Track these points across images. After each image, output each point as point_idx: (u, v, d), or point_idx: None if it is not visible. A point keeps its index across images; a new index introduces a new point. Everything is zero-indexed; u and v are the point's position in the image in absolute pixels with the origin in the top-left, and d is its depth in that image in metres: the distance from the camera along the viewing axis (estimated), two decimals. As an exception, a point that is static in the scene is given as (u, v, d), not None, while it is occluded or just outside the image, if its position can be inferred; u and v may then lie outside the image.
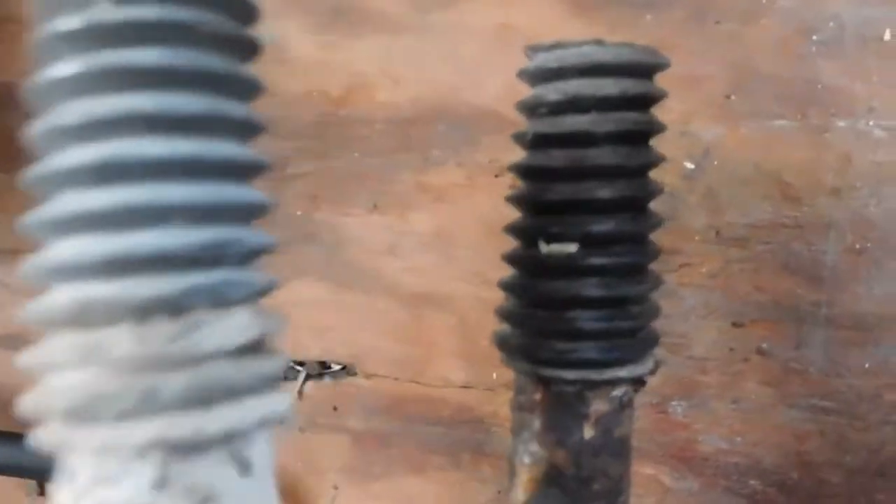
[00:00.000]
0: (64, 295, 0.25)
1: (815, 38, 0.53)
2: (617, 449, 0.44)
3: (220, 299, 0.25)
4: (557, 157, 0.41)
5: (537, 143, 0.42)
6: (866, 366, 0.55)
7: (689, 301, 0.58)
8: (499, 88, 0.60)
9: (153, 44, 0.24)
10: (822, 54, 0.53)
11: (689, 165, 0.56)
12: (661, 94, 0.42)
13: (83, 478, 0.25)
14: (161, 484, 0.24)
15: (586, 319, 0.41)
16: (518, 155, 0.45)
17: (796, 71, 0.54)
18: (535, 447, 0.44)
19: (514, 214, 0.45)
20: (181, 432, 0.24)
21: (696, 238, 0.57)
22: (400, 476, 0.67)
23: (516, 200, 0.44)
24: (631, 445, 0.46)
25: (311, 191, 0.66)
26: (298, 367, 0.69)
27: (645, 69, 0.41)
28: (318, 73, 0.65)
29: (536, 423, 0.44)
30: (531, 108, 0.42)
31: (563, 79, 0.40)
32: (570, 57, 0.40)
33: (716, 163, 0.56)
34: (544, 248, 0.42)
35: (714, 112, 0.56)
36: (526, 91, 0.43)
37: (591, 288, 0.41)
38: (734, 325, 0.57)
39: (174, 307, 0.24)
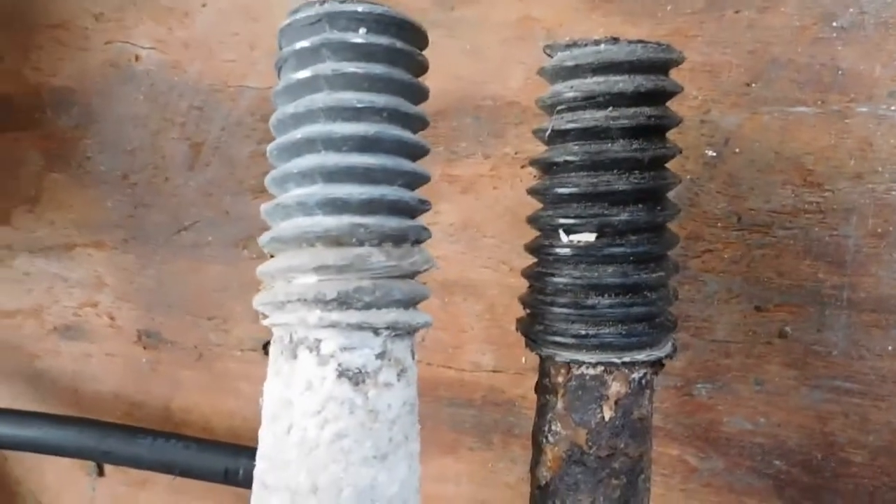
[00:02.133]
0: (329, 220, 0.37)
1: (834, 24, 0.54)
2: (636, 429, 0.45)
3: (417, 238, 0.40)
4: (575, 152, 0.43)
5: (556, 138, 0.44)
6: (889, 348, 0.56)
7: (712, 286, 0.59)
8: (522, 81, 0.61)
9: (358, 59, 0.38)
10: (842, 40, 0.54)
11: (711, 153, 0.57)
12: (676, 89, 0.43)
13: (329, 347, 0.37)
14: (383, 355, 0.38)
15: (605, 306, 0.43)
16: (541, 149, 0.46)
17: (816, 57, 0.54)
18: (557, 427, 0.46)
19: (537, 205, 0.47)
20: (404, 320, 0.38)
21: (718, 224, 0.58)
22: (433, 456, 0.70)
23: (537, 193, 0.46)
24: (651, 426, 0.47)
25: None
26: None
27: (658, 65, 0.42)
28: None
29: (559, 405, 0.46)
30: (550, 105, 0.44)
31: (579, 77, 0.42)
32: (585, 56, 0.42)
33: (737, 150, 0.57)
34: (564, 238, 0.44)
35: (734, 100, 0.56)
36: (547, 85, 0.45)
37: (609, 276, 0.43)
38: (756, 309, 0.58)
39: (401, 238, 0.39)
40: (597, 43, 0.42)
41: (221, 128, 0.71)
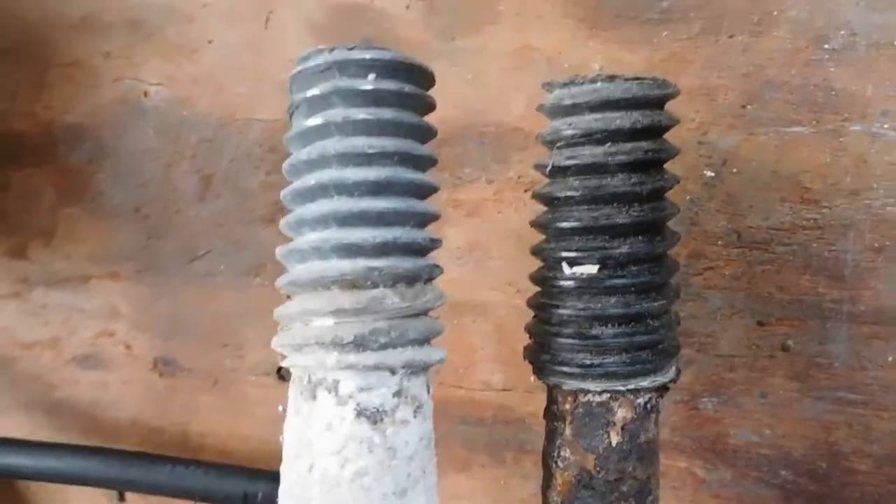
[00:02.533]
0: (344, 264, 0.39)
1: (826, 46, 0.55)
2: (643, 452, 0.47)
3: (430, 276, 0.41)
4: (576, 187, 0.44)
5: (557, 173, 0.45)
6: (889, 359, 0.57)
7: (715, 302, 0.60)
8: (523, 107, 0.63)
9: (368, 105, 0.39)
10: (834, 61, 0.55)
11: (709, 173, 0.59)
12: (672, 123, 0.45)
13: (347, 387, 0.39)
14: (400, 393, 0.39)
15: (609, 336, 0.45)
16: (542, 177, 0.48)
17: (809, 79, 0.56)
18: (566, 453, 0.47)
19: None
20: (420, 358, 0.40)
21: (719, 242, 0.60)
22: (447, 474, 0.71)
23: (540, 226, 0.47)
24: (658, 448, 0.48)
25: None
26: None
27: (654, 101, 0.43)
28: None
29: (567, 431, 0.47)
30: (550, 142, 0.45)
31: (577, 114, 0.44)
32: (582, 94, 0.43)
33: (735, 170, 0.58)
34: (567, 270, 0.45)
35: (731, 121, 0.58)
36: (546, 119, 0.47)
37: (612, 306, 0.45)
38: (759, 323, 0.60)
39: (414, 278, 0.40)
40: (593, 81, 0.43)
41: (231, 160, 0.73)
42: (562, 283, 0.45)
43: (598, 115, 0.43)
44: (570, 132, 0.44)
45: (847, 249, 0.57)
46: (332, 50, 0.39)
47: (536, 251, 0.48)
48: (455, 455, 0.71)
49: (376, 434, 0.39)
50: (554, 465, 0.48)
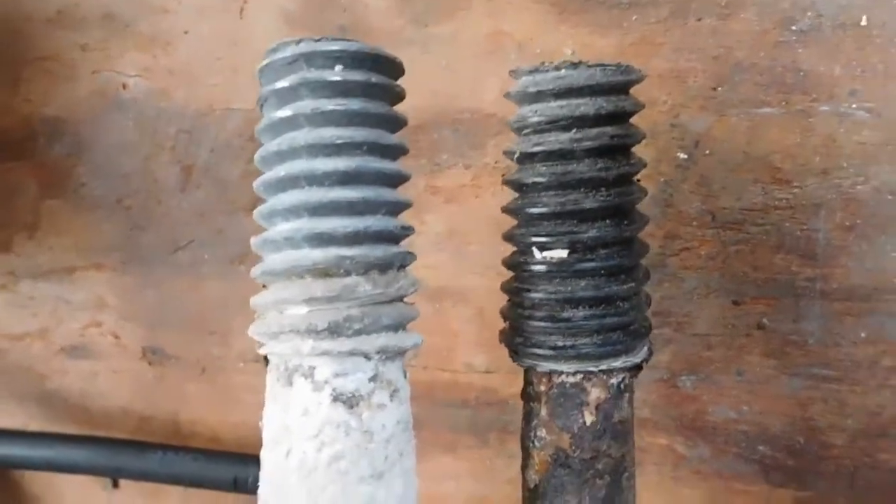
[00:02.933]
0: (316, 253, 0.39)
1: (793, 27, 0.55)
2: (617, 431, 0.48)
3: (402, 263, 0.42)
4: (543, 173, 0.45)
5: (525, 159, 0.46)
6: (862, 335, 0.58)
7: (691, 282, 0.61)
8: (497, 93, 0.63)
9: (336, 96, 0.39)
10: (801, 43, 0.56)
11: (682, 155, 0.59)
12: (637, 108, 0.45)
13: (323, 373, 0.40)
14: (375, 378, 0.40)
15: (580, 318, 0.46)
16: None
17: (777, 60, 0.56)
18: (542, 433, 0.48)
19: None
20: (394, 343, 0.41)
21: (694, 223, 0.60)
22: (433, 456, 0.72)
23: (511, 212, 0.48)
24: (632, 427, 0.49)
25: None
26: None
27: (618, 87, 0.44)
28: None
29: (543, 412, 0.48)
30: (517, 129, 0.46)
31: (542, 101, 0.44)
32: (546, 81, 0.44)
33: (707, 151, 0.59)
34: (538, 255, 0.46)
35: (702, 103, 0.58)
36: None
37: (582, 289, 0.45)
38: (734, 302, 0.61)
39: (386, 265, 0.41)
40: (558, 68, 0.44)
41: (210, 150, 0.73)
42: (533, 267, 0.46)
43: (562, 102, 0.44)
44: (536, 119, 0.44)
45: (819, 228, 0.58)
46: (299, 42, 0.40)
47: (508, 237, 0.48)
48: (441, 436, 0.72)
49: (353, 418, 0.40)
50: (531, 445, 0.49)
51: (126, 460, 0.73)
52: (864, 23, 0.54)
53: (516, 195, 0.48)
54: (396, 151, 0.42)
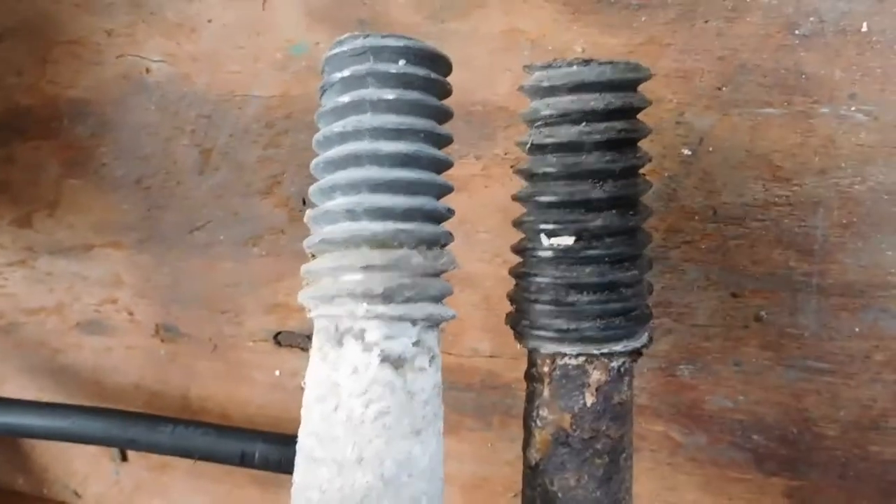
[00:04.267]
0: (375, 225, 0.43)
1: (797, 32, 0.57)
2: (617, 413, 0.50)
3: (445, 242, 0.47)
4: (553, 164, 0.47)
5: (536, 150, 0.48)
6: (856, 329, 0.60)
7: (691, 274, 0.63)
8: (509, 87, 0.65)
9: (398, 87, 0.44)
10: (804, 46, 0.58)
11: (686, 152, 0.61)
12: (644, 104, 0.47)
13: (373, 336, 0.43)
14: (418, 343, 0.44)
15: (584, 303, 0.48)
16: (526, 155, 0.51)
17: (780, 62, 0.58)
18: (544, 412, 0.50)
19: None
20: (437, 313, 0.45)
21: (696, 217, 0.62)
22: (436, 437, 0.74)
23: (521, 200, 0.50)
24: (631, 409, 0.52)
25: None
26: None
27: (627, 83, 0.46)
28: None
29: (545, 392, 0.50)
30: (530, 121, 0.48)
31: (554, 95, 0.46)
32: (559, 76, 0.46)
33: (710, 149, 0.61)
34: (545, 241, 0.48)
35: (706, 102, 0.60)
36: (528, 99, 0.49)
37: (587, 275, 0.48)
38: (733, 295, 0.63)
39: (434, 241, 0.45)
40: (570, 64, 0.46)
41: (229, 134, 0.75)
42: (540, 253, 0.48)
43: (574, 97, 0.46)
44: (547, 112, 0.46)
45: (816, 225, 0.59)
46: (366, 36, 0.44)
47: (517, 223, 0.51)
48: (445, 418, 0.74)
49: (398, 378, 0.43)
50: (533, 424, 0.51)
51: (139, 432, 0.75)
52: (864, 29, 0.56)
53: (526, 184, 0.50)
54: (445, 141, 0.46)
